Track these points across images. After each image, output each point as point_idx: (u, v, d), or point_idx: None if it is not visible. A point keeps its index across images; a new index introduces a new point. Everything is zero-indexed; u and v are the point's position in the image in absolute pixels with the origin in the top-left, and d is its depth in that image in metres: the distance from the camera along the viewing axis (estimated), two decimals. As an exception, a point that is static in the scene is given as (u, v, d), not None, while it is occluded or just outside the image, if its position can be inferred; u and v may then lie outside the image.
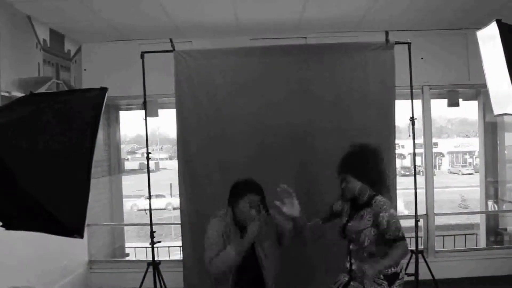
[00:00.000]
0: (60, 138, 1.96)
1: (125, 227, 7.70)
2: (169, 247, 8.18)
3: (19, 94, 3.76)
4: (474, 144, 23.08)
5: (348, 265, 3.09)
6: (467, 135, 30.08)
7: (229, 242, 3.13)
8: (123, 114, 6.92)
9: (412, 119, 4.24)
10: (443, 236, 7.39)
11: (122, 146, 7.57)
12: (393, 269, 2.94)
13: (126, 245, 7.58)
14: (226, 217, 3.25)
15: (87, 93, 2.11)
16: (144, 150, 4.39)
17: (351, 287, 3.03)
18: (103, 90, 2.03)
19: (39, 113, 2.07)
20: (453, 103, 5.89)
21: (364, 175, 3.02)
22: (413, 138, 4.26)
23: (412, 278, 4.14)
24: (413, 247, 4.36)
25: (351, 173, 3.03)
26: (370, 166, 3.05)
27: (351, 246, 3.07)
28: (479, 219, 7.42)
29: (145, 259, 5.76)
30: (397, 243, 2.87)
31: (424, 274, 4.23)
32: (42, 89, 4.11)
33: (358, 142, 3.14)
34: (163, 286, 4.22)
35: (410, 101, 4.29)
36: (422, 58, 5.22)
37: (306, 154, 4.21)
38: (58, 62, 4.87)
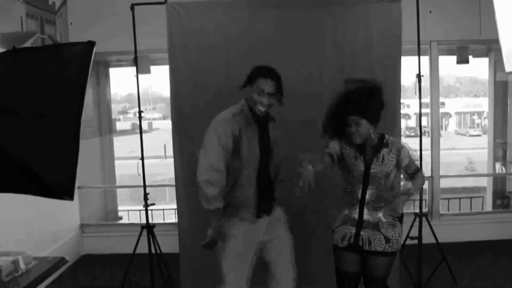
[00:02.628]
0: (45, 97, 1.94)
1: (118, 190, 7.75)
2: (163, 209, 8.28)
3: (1, 50, 3.71)
4: (483, 104, 23.05)
5: (356, 216, 3.04)
6: (476, 95, 30.00)
7: (239, 147, 2.96)
8: (113, 71, 6.87)
9: (419, 76, 4.20)
10: (448, 199, 7.47)
11: (112, 105, 7.54)
12: (401, 211, 3.05)
13: (119, 208, 7.66)
14: (240, 115, 3.02)
15: (73, 47, 2.08)
16: (136, 109, 4.36)
17: (363, 236, 3.01)
18: (91, 44, 2.00)
19: (23, 70, 2.05)
20: (463, 60, 5.85)
21: (376, 117, 2.96)
22: (420, 97, 4.22)
23: (415, 241, 4.21)
24: (417, 210, 4.41)
25: (365, 116, 2.90)
26: (379, 106, 2.97)
27: (367, 196, 3.01)
28: (486, 182, 7.49)
29: (139, 222, 5.84)
30: (418, 173, 3.06)
31: (427, 238, 4.29)
32: (26, 45, 4.06)
33: (363, 79, 3.03)
34: (157, 250, 4.28)
35: (417, 57, 4.24)
36: (430, 12, 5.14)
37: (306, 110, 4.18)
38: (43, 16, 4.79)
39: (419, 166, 3.05)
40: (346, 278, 3.14)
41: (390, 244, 2.99)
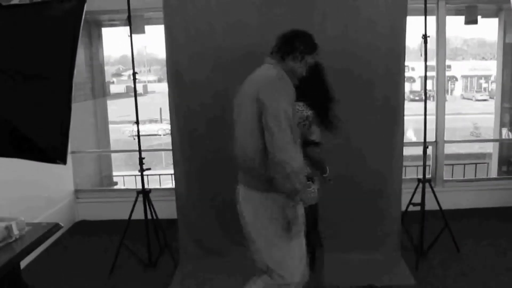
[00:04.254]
0: (35, 56, 1.91)
1: (113, 155, 7.76)
2: (159, 175, 8.32)
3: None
4: (491, 67, 22.89)
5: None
6: (483, 58, 29.76)
7: None
8: (105, 32, 6.79)
9: (425, 37, 4.14)
10: (453, 165, 7.50)
11: (106, 67, 7.48)
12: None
13: (114, 173, 7.69)
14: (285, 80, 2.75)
15: (63, 5, 2.04)
16: (131, 72, 4.31)
17: None
18: (81, 1, 1.96)
19: (10, 29, 2.01)
20: (471, 20, 5.78)
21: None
22: (425, 59, 4.18)
23: (418, 208, 4.24)
24: (420, 176, 4.43)
25: None
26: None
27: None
28: (491, 148, 7.51)
29: (135, 187, 5.87)
30: None
31: (430, 204, 4.32)
32: (14, 2, 3.98)
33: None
34: (154, 215, 4.32)
35: (423, 17, 4.18)
36: (438, -32, 5.05)
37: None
38: (31, -29, 4.69)
39: None
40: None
41: None
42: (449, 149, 5.91)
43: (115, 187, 7.39)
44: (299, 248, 2.83)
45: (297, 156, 2.60)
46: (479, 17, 5.85)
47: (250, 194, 2.82)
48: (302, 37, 2.89)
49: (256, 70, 2.84)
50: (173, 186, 4.49)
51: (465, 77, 30.00)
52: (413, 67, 18.29)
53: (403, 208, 4.38)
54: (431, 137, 5.44)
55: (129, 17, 4.12)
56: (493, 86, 17.84)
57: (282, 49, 2.85)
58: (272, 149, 2.52)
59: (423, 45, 4.15)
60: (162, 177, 8.26)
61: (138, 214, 4.25)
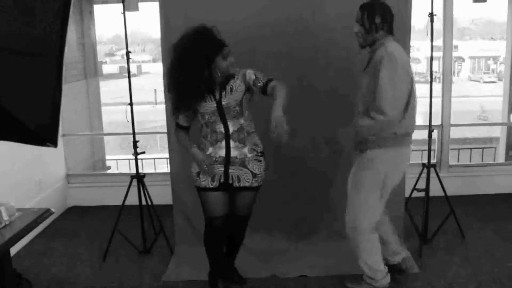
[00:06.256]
0: (21, 32, 1.88)
1: (106, 138, 7.76)
2: (154, 159, 8.32)
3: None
4: (500, 48, 22.83)
5: (222, 154, 3.20)
6: (492, 38, 29.66)
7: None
8: (98, 9, 6.74)
9: (431, 16, 4.11)
10: (459, 149, 7.52)
11: (98, 47, 7.45)
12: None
13: (107, 157, 7.69)
14: None
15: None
16: (124, 51, 4.29)
17: (232, 173, 3.23)
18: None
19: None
20: (480, -3, 5.74)
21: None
22: (431, 39, 4.15)
23: (423, 193, 4.25)
24: (424, 161, 4.43)
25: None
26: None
27: (231, 129, 3.17)
28: (499, 132, 7.50)
29: (129, 172, 5.87)
30: (271, 83, 3.05)
31: (435, 190, 4.33)
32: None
33: None
34: (148, 201, 4.32)
35: (430, -6, 4.15)
36: None
37: (309, 49, 4.13)
38: None
39: (270, 77, 3.10)
40: (217, 222, 3.31)
41: (256, 179, 3.28)
42: (455, 132, 5.90)
43: (108, 171, 7.39)
44: None
45: None
46: (488, -6, 5.80)
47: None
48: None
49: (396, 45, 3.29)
50: (169, 170, 4.49)
51: (472, 58, 29.91)
52: (419, 48, 18.20)
53: (407, 193, 4.39)
54: (436, 120, 5.43)
55: (122, -7, 4.09)
56: (502, 67, 17.81)
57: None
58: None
59: (429, 24, 4.12)
60: (157, 161, 8.27)
61: (132, 200, 4.26)
